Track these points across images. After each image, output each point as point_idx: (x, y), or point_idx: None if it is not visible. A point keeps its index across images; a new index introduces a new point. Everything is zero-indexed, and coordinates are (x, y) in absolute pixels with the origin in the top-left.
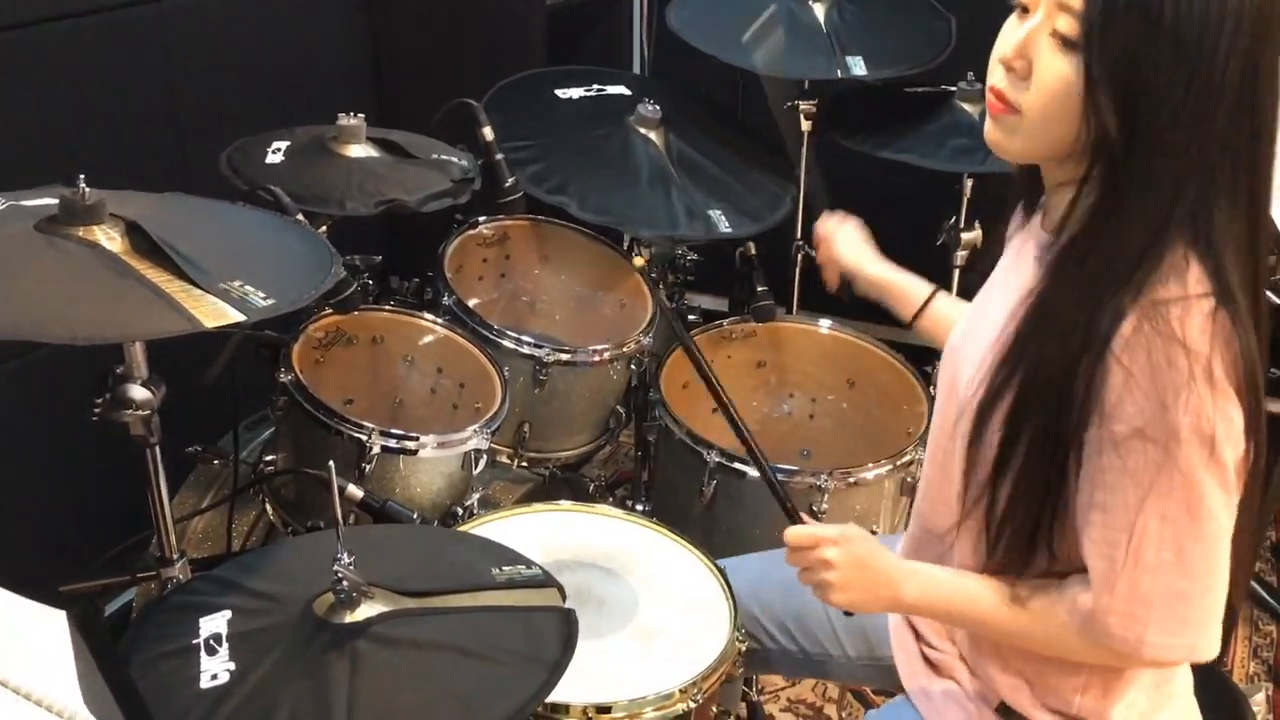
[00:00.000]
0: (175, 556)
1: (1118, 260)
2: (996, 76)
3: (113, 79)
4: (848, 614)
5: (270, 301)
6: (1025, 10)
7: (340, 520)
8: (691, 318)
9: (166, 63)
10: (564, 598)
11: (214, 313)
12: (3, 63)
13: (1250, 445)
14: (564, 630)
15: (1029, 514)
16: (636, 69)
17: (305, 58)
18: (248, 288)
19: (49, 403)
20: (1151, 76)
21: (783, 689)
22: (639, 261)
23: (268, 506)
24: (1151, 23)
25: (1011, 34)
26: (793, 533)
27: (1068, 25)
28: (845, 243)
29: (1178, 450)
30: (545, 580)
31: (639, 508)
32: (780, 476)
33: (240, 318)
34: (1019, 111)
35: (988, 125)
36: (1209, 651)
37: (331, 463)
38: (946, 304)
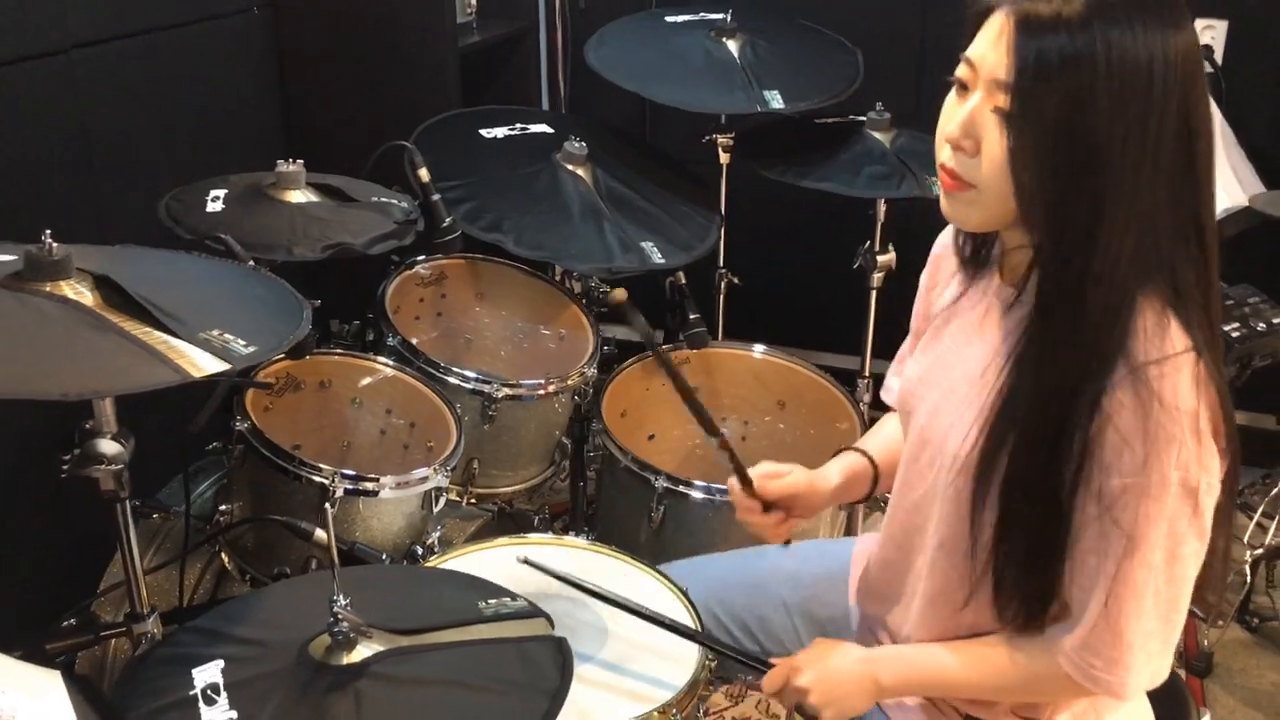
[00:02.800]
0: (146, 611)
1: (1092, 323)
2: (945, 155)
3: (21, 130)
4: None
5: (252, 349)
6: (964, 88)
7: (336, 563)
8: (606, 349)
9: (76, 113)
10: (553, 626)
11: (200, 363)
12: None
13: (1226, 469)
14: (559, 659)
15: (1039, 572)
16: (545, 106)
17: (217, 106)
18: (227, 336)
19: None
20: (1087, 138)
21: (726, 709)
22: (620, 294)
23: (224, 556)
24: (1084, 87)
25: (954, 112)
26: (767, 681)
27: (1006, 101)
28: (788, 476)
29: (1165, 504)
30: (532, 611)
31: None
32: (720, 497)
33: (224, 366)
34: (974, 186)
35: (944, 201)
36: (1162, 677)
37: (328, 505)
38: (879, 446)
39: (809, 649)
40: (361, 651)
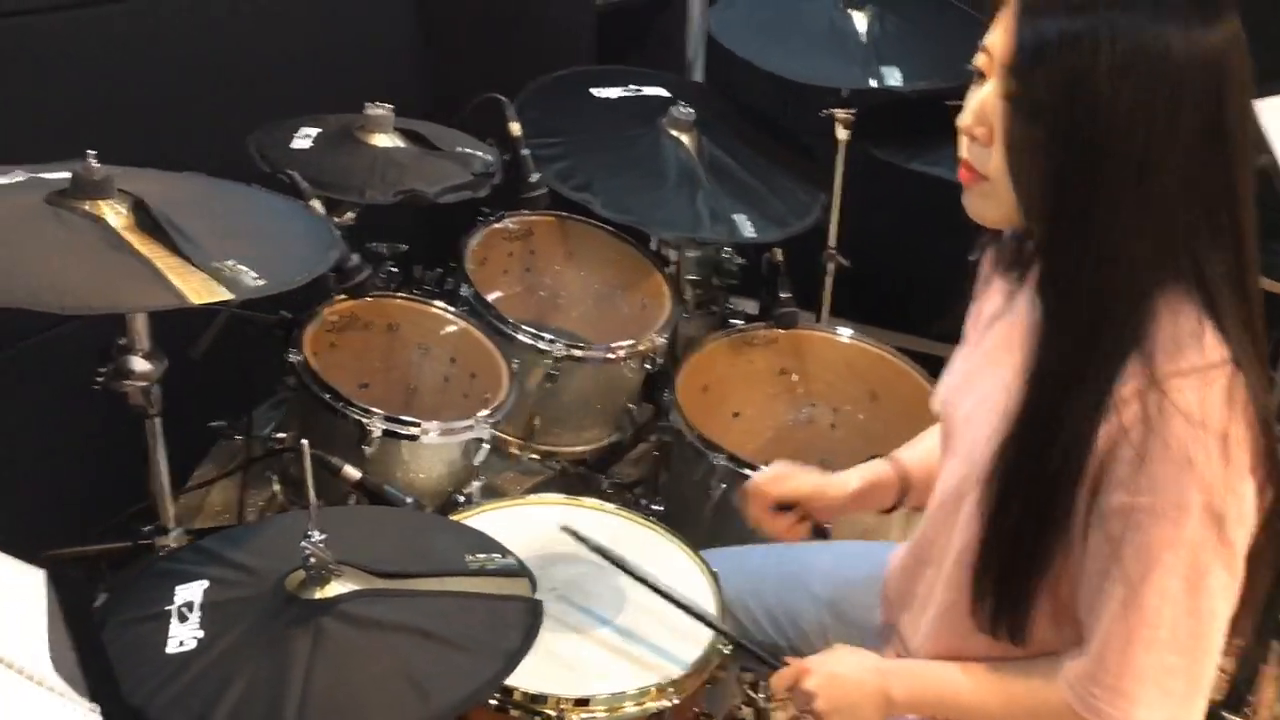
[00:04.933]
0: (171, 526)
1: (1091, 316)
2: (963, 147)
3: (150, 59)
4: None
5: (261, 281)
6: (982, 76)
7: (313, 498)
8: (736, 322)
9: (207, 44)
10: (534, 588)
11: (204, 290)
12: (36, 44)
13: (1269, 487)
14: (528, 621)
15: (1022, 583)
16: (698, 75)
17: (355, 46)
18: (240, 267)
19: (70, 375)
20: (1086, 125)
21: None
22: None
23: (275, 484)
24: (1083, 70)
25: (971, 102)
26: (776, 680)
27: (1010, 84)
28: (795, 478)
29: (1187, 528)
30: (518, 570)
31: (654, 508)
32: None
33: (229, 296)
34: (987, 178)
35: (965, 197)
36: None
37: (305, 441)
38: (914, 457)
39: (824, 652)
40: (335, 589)
